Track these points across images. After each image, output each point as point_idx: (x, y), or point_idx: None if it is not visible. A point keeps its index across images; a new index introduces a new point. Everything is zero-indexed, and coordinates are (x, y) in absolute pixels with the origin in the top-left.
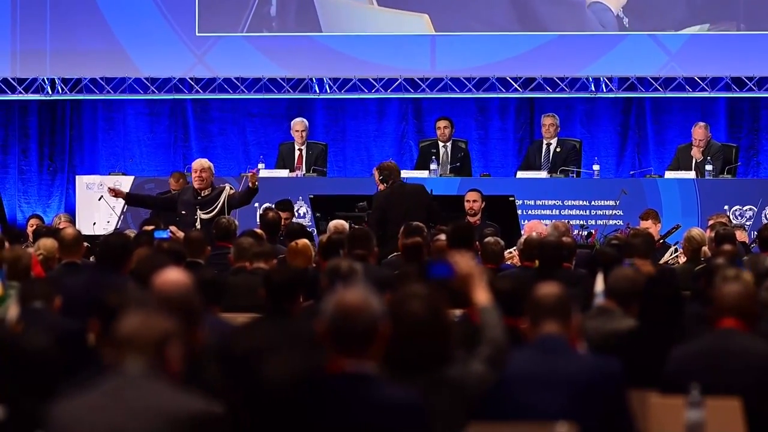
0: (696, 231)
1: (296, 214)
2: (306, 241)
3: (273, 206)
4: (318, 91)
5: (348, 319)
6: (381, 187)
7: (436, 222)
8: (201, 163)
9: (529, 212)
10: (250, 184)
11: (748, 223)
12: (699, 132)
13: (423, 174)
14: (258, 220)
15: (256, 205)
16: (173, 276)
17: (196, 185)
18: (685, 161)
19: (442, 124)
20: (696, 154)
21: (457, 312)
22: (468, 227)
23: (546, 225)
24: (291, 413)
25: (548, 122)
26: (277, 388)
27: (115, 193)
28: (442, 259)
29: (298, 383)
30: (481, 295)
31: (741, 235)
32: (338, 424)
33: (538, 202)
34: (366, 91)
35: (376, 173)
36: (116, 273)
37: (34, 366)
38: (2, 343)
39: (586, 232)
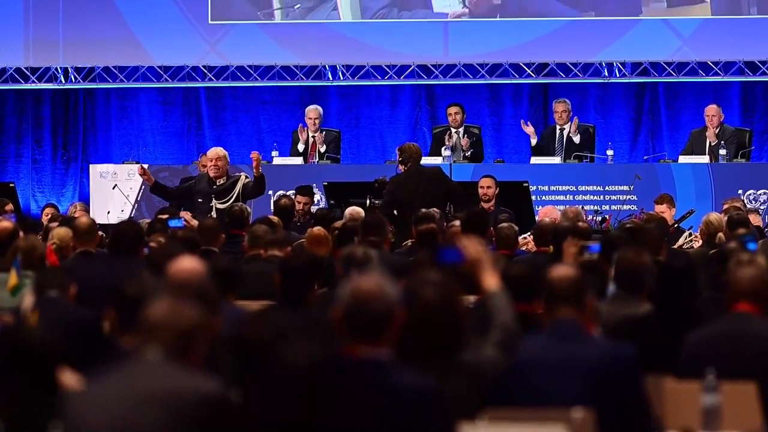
0: (714, 216)
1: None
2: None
3: (294, 191)
4: (331, 78)
5: (363, 306)
6: (401, 168)
7: (456, 205)
8: (216, 151)
9: (544, 198)
10: (254, 173)
11: (762, 207)
12: (711, 109)
13: (437, 160)
14: (272, 206)
15: (270, 192)
16: (188, 264)
17: (211, 173)
18: (699, 145)
19: (453, 110)
20: (710, 136)
21: (471, 298)
22: (482, 213)
23: (561, 210)
24: (307, 400)
25: (560, 108)
26: (292, 375)
27: (146, 175)
28: (451, 244)
29: (313, 370)
30: (490, 280)
31: (755, 219)
32: (355, 410)
33: (552, 188)
34: (379, 77)
35: (397, 154)
36: (129, 261)
37: (36, 360)
38: (4, 338)
39: (600, 218)
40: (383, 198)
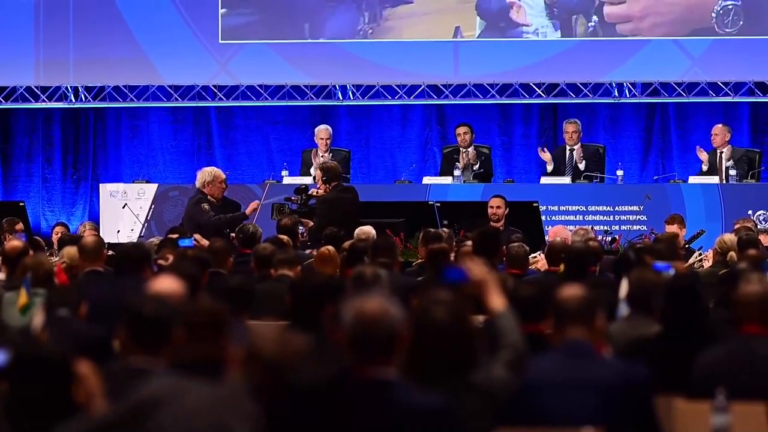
0: (728, 236)
1: None
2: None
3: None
4: (341, 98)
5: (368, 328)
6: (322, 187)
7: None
8: (221, 172)
9: (553, 218)
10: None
11: None
12: (715, 128)
13: (447, 180)
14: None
15: None
16: (166, 285)
17: (221, 194)
18: (712, 168)
19: (461, 130)
20: (725, 153)
21: (481, 318)
22: (494, 233)
23: (571, 230)
24: (318, 420)
25: (571, 129)
26: (304, 395)
27: (253, 212)
28: (455, 264)
29: (324, 391)
30: (497, 301)
31: (766, 240)
32: (367, 430)
33: (562, 208)
34: (389, 97)
35: (318, 174)
36: (138, 280)
37: (53, 377)
38: (19, 353)
39: (610, 238)
40: (317, 221)
